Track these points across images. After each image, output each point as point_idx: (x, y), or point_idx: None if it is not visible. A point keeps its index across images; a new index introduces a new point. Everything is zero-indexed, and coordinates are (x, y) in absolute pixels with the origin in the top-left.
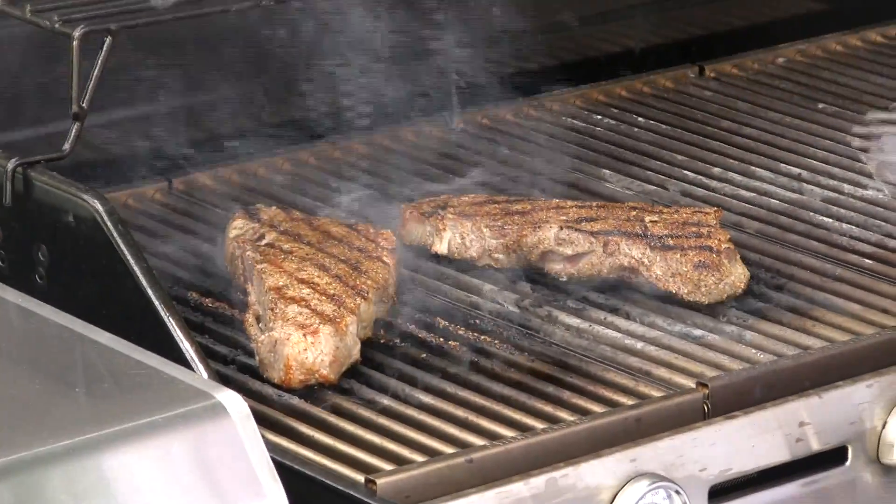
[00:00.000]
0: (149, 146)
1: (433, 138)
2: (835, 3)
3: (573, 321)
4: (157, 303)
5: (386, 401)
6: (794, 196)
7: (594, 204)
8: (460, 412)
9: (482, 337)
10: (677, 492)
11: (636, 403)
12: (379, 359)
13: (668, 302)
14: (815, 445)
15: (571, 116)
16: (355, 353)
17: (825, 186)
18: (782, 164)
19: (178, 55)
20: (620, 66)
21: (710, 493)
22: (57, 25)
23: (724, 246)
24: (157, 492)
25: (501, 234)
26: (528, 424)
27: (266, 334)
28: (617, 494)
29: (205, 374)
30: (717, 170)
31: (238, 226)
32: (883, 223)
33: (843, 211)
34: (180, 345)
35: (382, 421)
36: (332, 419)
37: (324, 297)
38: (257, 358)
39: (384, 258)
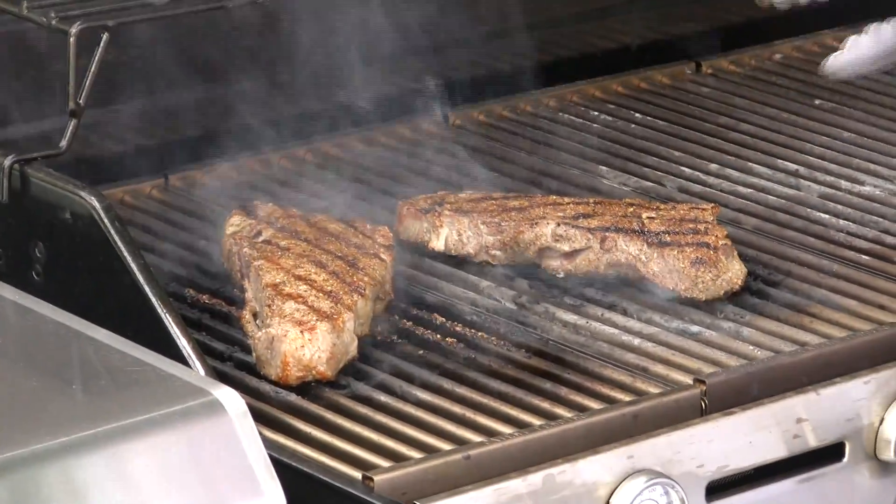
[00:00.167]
0: (145, 143)
1: (430, 135)
2: None
3: (570, 318)
4: (153, 299)
5: (383, 397)
6: (792, 192)
7: (591, 200)
8: (457, 409)
9: (479, 333)
10: (675, 488)
11: (633, 400)
12: (376, 355)
13: (666, 298)
14: (812, 442)
15: (568, 113)
16: (352, 349)
17: (822, 183)
18: (779, 161)
19: (173, 51)
20: (617, 63)
21: (708, 489)
22: (54, 22)
23: (721, 242)
24: (153, 489)
25: (498, 230)
26: (526, 421)
27: (263, 331)
28: (614, 491)
29: (202, 371)
30: (714, 166)
31: (235, 222)
32: (880, 219)
33: (840, 207)
34: (177, 341)
35: (380, 418)
36: (330, 416)
37: (321, 294)
38: (254, 355)
39: (381, 255)
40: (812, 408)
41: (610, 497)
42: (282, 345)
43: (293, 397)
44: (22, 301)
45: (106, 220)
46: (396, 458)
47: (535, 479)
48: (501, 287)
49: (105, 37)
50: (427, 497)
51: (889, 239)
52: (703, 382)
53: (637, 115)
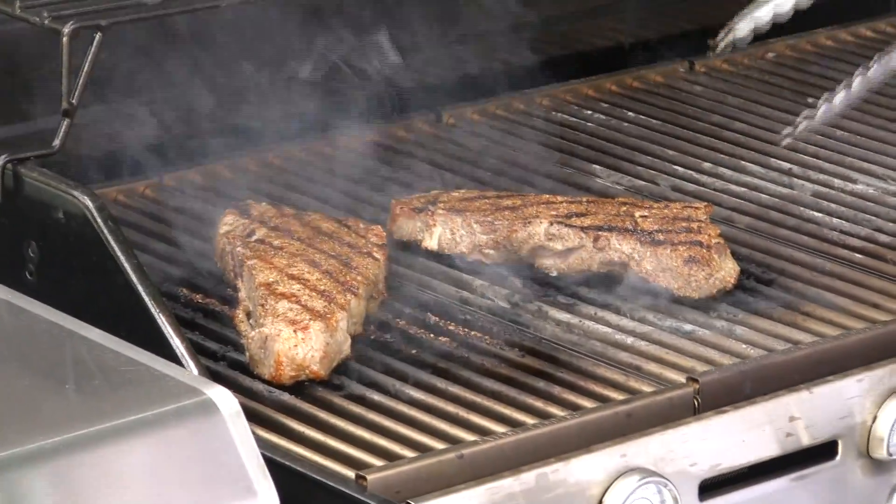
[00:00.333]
0: (139, 142)
1: (423, 133)
2: None
3: (563, 316)
4: (147, 299)
5: (376, 396)
6: (785, 191)
7: (584, 199)
8: (451, 408)
9: (472, 332)
10: (668, 487)
11: (627, 399)
12: (369, 354)
13: (659, 297)
14: (805, 440)
15: (561, 111)
16: (346, 348)
17: (815, 181)
18: (772, 159)
19: (168, 50)
20: (611, 61)
21: (701, 487)
22: (47, 21)
23: (714, 241)
24: (147, 488)
25: (492, 229)
26: (519, 420)
27: (256, 330)
28: (607, 490)
29: (195, 371)
30: (707, 165)
31: (228, 222)
32: (873, 217)
33: (833, 205)
34: (170, 341)
35: (373, 417)
36: (323, 415)
37: (314, 293)
38: (247, 354)
39: (374, 254)
40: (805, 406)
41: (603, 496)
42: (275, 344)
43: (286, 396)
44: (15, 301)
45: (99, 220)
46: (390, 457)
47: (528, 477)
48: (495, 286)
49: (98, 36)
50: (420, 496)
51: (882, 237)
52: (696, 381)
53: (630, 113)
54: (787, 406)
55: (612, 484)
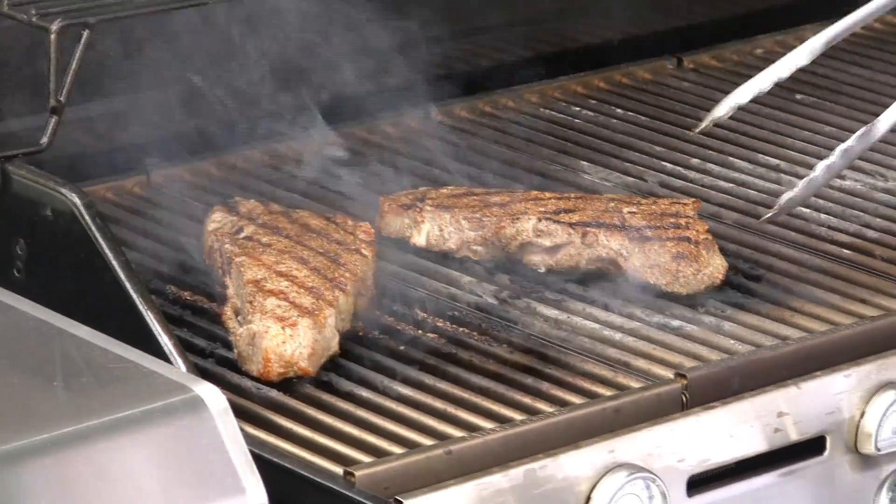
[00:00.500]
0: (127, 139)
1: (411, 130)
2: None
3: (552, 312)
4: (135, 296)
5: (365, 393)
6: (773, 187)
7: (573, 195)
8: (439, 404)
9: (461, 328)
10: (656, 482)
11: (615, 394)
12: (358, 351)
13: (647, 293)
14: (794, 436)
15: (550, 108)
16: (334, 345)
17: (803, 177)
18: (760, 155)
19: (154, 47)
20: (599, 58)
21: (689, 483)
22: (34, 19)
23: (702, 237)
24: (134, 485)
25: (480, 225)
26: (507, 416)
27: (244, 327)
28: (595, 485)
29: (183, 368)
30: (695, 161)
31: (216, 219)
32: (861, 213)
33: (821, 201)
34: (158, 338)
35: (361, 413)
36: (311, 411)
37: (302, 290)
38: (236, 351)
39: (363, 250)
40: (793, 402)
41: (591, 491)
42: (263, 341)
43: (274, 393)
44: (3, 298)
45: (87, 217)
46: (378, 453)
47: (516, 473)
48: (483, 282)
49: (86, 34)
50: (408, 492)
51: (870, 233)
52: (684, 377)
53: (619, 110)
54: (775, 401)
55: (600, 479)
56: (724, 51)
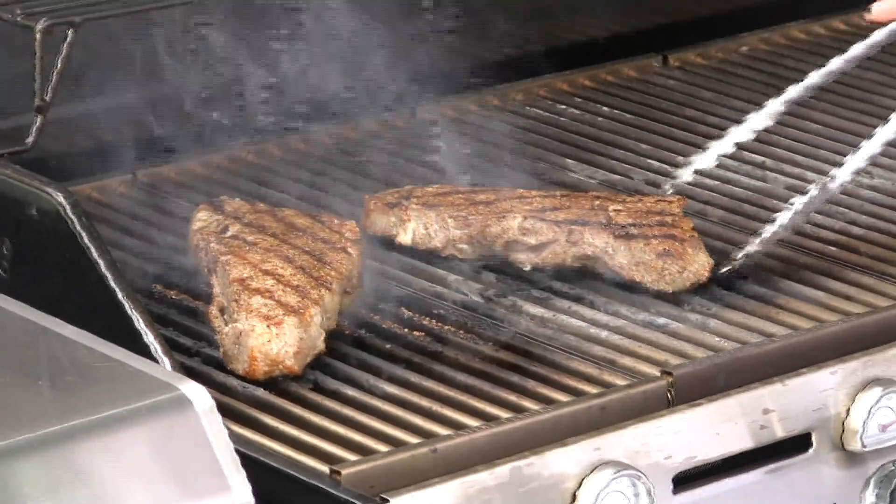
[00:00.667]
0: (113, 138)
1: (397, 129)
2: None
3: (537, 310)
4: (120, 295)
5: (350, 391)
6: (758, 184)
7: (558, 193)
8: (425, 402)
9: (446, 327)
10: (642, 480)
11: (600, 392)
12: (343, 349)
13: (632, 291)
14: (780, 432)
15: (535, 106)
16: (320, 344)
17: (789, 174)
18: (746, 153)
19: (142, 46)
20: (584, 56)
21: (675, 480)
22: (20, 18)
23: (687, 234)
24: (120, 484)
25: (465, 224)
26: (493, 414)
27: (230, 326)
28: (581, 483)
29: (169, 366)
30: (681, 158)
31: (202, 218)
32: (846, 210)
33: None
34: (144, 337)
35: (347, 411)
36: (297, 410)
37: (288, 289)
38: (221, 350)
39: (348, 249)
40: (779, 399)
41: (577, 489)
42: (249, 339)
43: (260, 392)
44: None
45: (72, 216)
46: (363, 451)
47: (502, 471)
48: (469, 280)
49: (71, 33)
50: (394, 490)
51: (855, 230)
52: (669, 374)
53: (604, 108)
54: (760, 399)
55: (586, 477)
56: (710, 48)
